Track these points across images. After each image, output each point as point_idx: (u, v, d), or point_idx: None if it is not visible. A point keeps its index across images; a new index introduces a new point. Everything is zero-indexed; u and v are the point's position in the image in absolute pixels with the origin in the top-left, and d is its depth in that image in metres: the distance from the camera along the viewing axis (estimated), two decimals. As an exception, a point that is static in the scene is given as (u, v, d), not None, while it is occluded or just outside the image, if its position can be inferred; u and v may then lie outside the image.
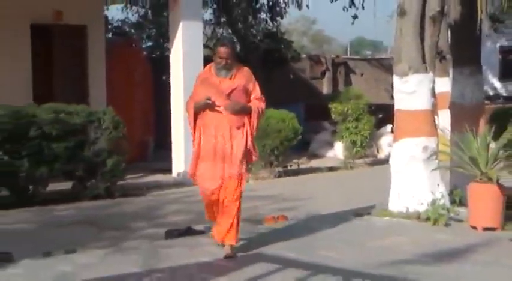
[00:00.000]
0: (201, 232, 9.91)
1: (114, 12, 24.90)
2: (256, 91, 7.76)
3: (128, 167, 13.73)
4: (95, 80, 16.74)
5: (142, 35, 25.84)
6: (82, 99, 15.00)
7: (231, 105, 7.43)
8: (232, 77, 7.66)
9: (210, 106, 7.50)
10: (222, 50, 7.68)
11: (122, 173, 13.37)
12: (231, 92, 7.55)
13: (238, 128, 7.56)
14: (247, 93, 7.67)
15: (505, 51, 30.27)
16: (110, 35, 20.75)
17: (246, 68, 7.82)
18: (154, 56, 19.89)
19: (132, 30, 26.25)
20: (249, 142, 7.73)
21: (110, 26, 21.88)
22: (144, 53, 21.50)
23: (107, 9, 20.24)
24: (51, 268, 7.88)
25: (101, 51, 17.16)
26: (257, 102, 7.67)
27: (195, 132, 7.86)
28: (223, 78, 7.60)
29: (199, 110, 7.67)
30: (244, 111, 7.60)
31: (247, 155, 7.74)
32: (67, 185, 12.83)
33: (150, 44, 23.95)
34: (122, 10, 26.03)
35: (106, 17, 20.13)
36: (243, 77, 7.73)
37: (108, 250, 8.91)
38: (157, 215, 11.78)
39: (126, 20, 27.29)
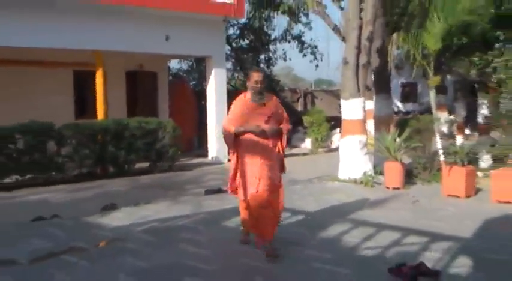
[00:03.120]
0: (227, 191, 10.69)
1: (174, 64, 25.22)
2: (284, 115, 6.37)
3: (181, 154, 14.13)
4: (161, 103, 17.19)
5: (190, 77, 26.18)
6: (154, 114, 15.50)
7: (271, 130, 6.06)
8: (266, 103, 6.17)
9: (247, 132, 6.04)
10: (257, 75, 6.16)
11: (178, 157, 13.79)
12: (269, 118, 6.11)
13: (273, 146, 6.17)
14: (278, 117, 6.24)
15: (404, 85, 32.82)
16: (170, 78, 21.22)
17: (273, 96, 6.43)
18: (197, 89, 20.70)
19: (184, 74, 26.51)
20: (282, 157, 6.39)
21: (170, 72, 22.23)
22: (191, 87, 21.77)
23: (169, 62, 20.46)
24: (138, 212, 8.57)
25: (165, 86, 17.58)
26: (286, 125, 6.30)
27: (234, 152, 6.29)
28: (259, 105, 6.11)
29: (241, 133, 6.09)
30: (278, 133, 6.21)
31: (281, 167, 6.35)
32: (146, 164, 13.33)
33: (194, 82, 24.49)
34: (178, 62, 26.24)
35: (169, 67, 20.33)
36: (274, 103, 6.27)
37: (170, 202, 9.48)
38: (199, 181, 12.02)
39: (181, 68, 27.25)
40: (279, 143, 6.37)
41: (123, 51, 13.90)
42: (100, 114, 13.46)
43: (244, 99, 6.26)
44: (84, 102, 15.27)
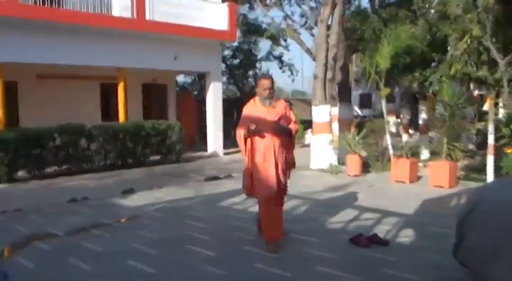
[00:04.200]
0: (222, 178, 10.38)
1: (180, 78, 25.18)
2: (292, 117, 5.50)
3: (186, 149, 14.01)
4: (170, 109, 17.13)
5: (193, 88, 26.21)
6: (164, 118, 15.35)
7: (280, 127, 5.23)
8: (274, 105, 5.34)
9: (260, 131, 5.15)
10: (265, 82, 5.30)
11: (183, 151, 13.67)
12: (279, 119, 5.28)
13: (282, 146, 5.28)
14: (287, 119, 5.37)
15: (361, 95, 32.11)
16: (177, 89, 21.26)
17: (281, 99, 5.66)
18: (198, 98, 20.69)
19: (188, 86, 26.65)
20: (291, 155, 5.50)
21: (177, 84, 22.27)
22: (194, 97, 21.66)
23: (177, 76, 20.32)
24: (152, 194, 8.57)
25: (173, 96, 17.53)
26: (294, 125, 5.44)
27: (246, 155, 5.34)
28: (269, 107, 5.28)
29: (252, 134, 5.20)
30: (287, 132, 5.35)
31: (289, 166, 5.48)
32: (158, 157, 13.19)
33: (196, 92, 24.53)
34: (184, 77, 26.24)
35: (176, 80, 20.24)
36: (282, 106, 5.40)
37: (178, 187, 9.47)
38: (200, 170, 11.92)
39: (186, 81, 27.28)
40: (289, 143, 5.50)
41: (140, 67, 13.94)
42: (121, 117, 13.52)
43: (254, 103, 5.45)
44: (108, 108, 15.24)
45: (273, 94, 5.38)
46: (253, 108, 5.42)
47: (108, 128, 12.02)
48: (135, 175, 11.35)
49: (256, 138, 5.28)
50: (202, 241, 5.63)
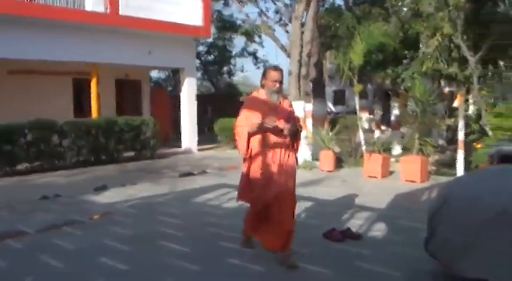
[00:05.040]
0: (196, 174, 10.40)
1: (154, 73, 24.96)
2: (297, 117, 4.80)
3: (160, 145, 13.89)
4: (144, 104, 16.99)
5: (167, 84, 26.05)
6: (138, 113, 15.32)
7: (291, 127, 4.46)
8: (281, 102, 4.62)
9: (268, 128, 4.42)
10: (275, 74, 4.53)
11: (158, 147, 13.56)
12: (287, 118, 4.52)
13: (289, 146, 4.58)
14: (293, 117, 4.65)
15: (335, 92, 31.23)
16: (151, 84, 21.08)
17: (286, 97, 4.88)
18: (173, 94, 20.54)
19: (162, 82, 26.45)
20: (297, 157, 4.75)
21: (151, 80, 22.09)
22: (168, 92, 21.40)
23: (151, 72, 20.36)
24: (125, 191, 8.47)
25: (147, 91, 17.37)
26: (299, 125, 4.73)
27: (247, 156, 4.59)
28: (276, 103, 4.56)
29: (258, 131, 4.46)
30: (296, 133, 4.64)
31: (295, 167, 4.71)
32: (132, 153, 13.00)
33: (170, 88, 24.32)
34: (158, 72, 26.05)
35: (150, 76, 19.99)
36: (287, 103, 4.72)
37: (151, 183, 9.38)
38: (174, 166, 11.81)
39: (160, 77, 27.21)
40: (296, 143, 4.78)
41: (113, 63, 13.75)
42: (94, 113, 13.32)
43: (259, 97, 4.63)
44: (81, 103, 15.00)
45: (281, 89, 4.66)
46: (257, 103, 4.61)
47: (80, 124, 11.83)
48: (108, 171, 11.21)
49: (261, 138, 4.52)
50: (176, 237, 5.57)
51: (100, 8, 12.85)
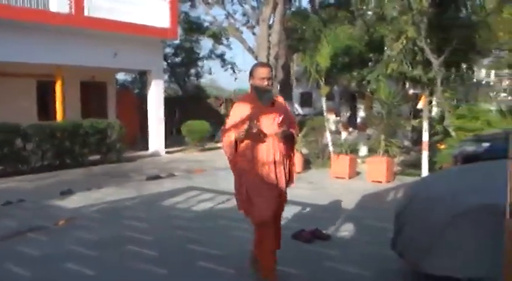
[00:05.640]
0: (163, 177, 10.31)
1: (120, 76, 24.53)
2: (293, 118, 4.31)
3: (127, 148, 13.75)
4: (110, 107, 16.69)
5: (134, 86, 25.71)
6: (104, 116, 15.00)
7: (284, 132, 3.99)
8: (274, 102, 4.09)
9: (263, 134, 3.91)
10: (263, 70, 4.00)
11: (124, 150, 13.42)
12: (282, 120, 4.03)
13: (283, 154, 4.04)
14: (289, 119, 4.16)
15: (302, 94, 30.29)
16: (118, 87, 20.74)
17: (279, 96, 4.33)
18: (139, 96, 20.26)
19: (129, 84, 26.05)
20: (292, 166, 4.25)
21: (118, 82, 21.73)
22: (134, 95, 21.06)
23: (117, 74, 20.14)
24: (91, 195, 8.32)
25: (113, 94, 17.08)
26: (296, 128, 4.24)
27: (234, 165, 4.09)
28: (268, 105, 4.01)
29: (246, 137, 3.92)
30: (291, 138, 4.14)
31: (291, 180, 4.24)
32: (97, 157, 12.76)
33: (137, 90, 23.99)
34: (124, 74, 25.81)
35: (116, 78, 19.47)
36: (282, 104, 4.17)
37: (118, 187, 9.21)
38: (141, 170, 11.66)
39: (126, 79, 26.89)
40: (290, 150, 4.25)
41: (78, 65, 13.47)
42: (59, 116, 13.05)
43: (249, 99, 4.08)
44: (45, 106, 14.66)
45: (271, 88, 4.13)
46: (247, 106, 4.05)
47: (45, 127, 11.57)
48: (74, 175, 11.00)
49: (252, 145, 3.99)
50: (144, 241, 5.50)
51: (65, 9, 12.59)
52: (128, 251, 5.12)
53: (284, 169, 4.11)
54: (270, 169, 4.01)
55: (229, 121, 4.09)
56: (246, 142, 4.00)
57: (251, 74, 4.10)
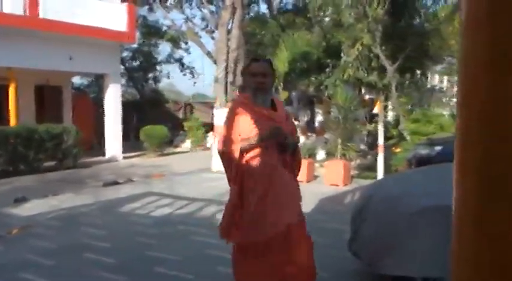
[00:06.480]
0: (121, 183, 10.23)
1: (76, 79, 23.96)
2: (294, 123, 3.63)
3: (83, 153, 13.47)
4: (66, 112, 16.31)
5: (90, 90, 25.19)
6: (60, 121, 14.66)
7: (293, 143, 3.31)
8: (276, 105, 3.36)
9: (284, 141, 3.20)
10: (257, 66, 3.25)
11: (80, 156, 13.16)
12: (286, 127, 3.30)
13: (287, 167, 3.30)
14: (291, 126, 3.45)
15: None
16: (73, 91, 20.29)
17: (278, 98, 3.55)
18: (96, 101, 19.84)
19: (85, 88, 25.47)
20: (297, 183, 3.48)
21: (73, 86, 21.21)
22: (90, 99, 20.40)
23: (73, 77, 19.72)
24: (47, 202, 8.14)
25: (69, 98, 16.74)
26: (297, 136, 3.52)
27: (236, 183, 3.22)
28: (267, 108, 3.27)
29: (250, 148, 3.13)
30: (295, 149, 3.41)
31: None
32: (53, 163, 12.49)
33: (94, 95, 23.46)
34: (80, 78, 25.36)
35: (72, 82, 19.06)
36: (282, 106, 3.45)
37: (74, 193, 9.06)
38: (98, 176, 11.48)
39: (82, 83, 26.33)
40: (296, 162, 3.53)
41: (33, 68, 13.14)
42: (12, 121, 12.69)
43: (246, 101, 3.31)
44: (-2, 110, 14.28)
45: (270, 86, 3.38)
46: (244, 110, 3.27)
47: (-3, 132, 11.24)
48: (28, 182, 10.72)
49: (252, 159, 3.20)
50: (102, 248, 5.42)
51: (19, 11, 12.30)
52: (85, 259, 5.03)
53: (292, 183, 3.40)
54: (278, 185, 3.22)
55: (226, 128, 3.30)
56: (251, 154, 3.20)
57: (243, 73, 3.45)
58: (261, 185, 3.16)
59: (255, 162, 3.20)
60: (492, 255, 0.98)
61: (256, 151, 3.19)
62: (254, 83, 3.25)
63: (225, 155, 3.30)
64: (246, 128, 3.19)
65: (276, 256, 3.17)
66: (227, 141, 3.27)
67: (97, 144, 16.79)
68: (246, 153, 3.20)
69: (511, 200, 0.93)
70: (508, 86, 0.90)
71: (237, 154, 3.19)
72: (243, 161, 3.21)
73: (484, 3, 0.94)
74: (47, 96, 15.91)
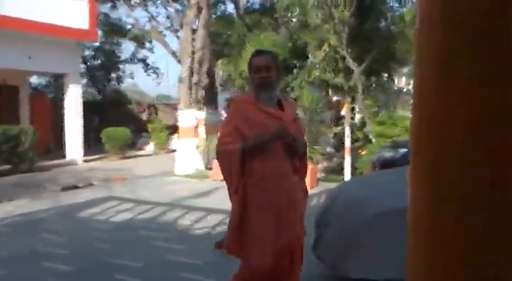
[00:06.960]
0: (81, 187, 10.08)
1: (34, 79, 23.44)
2: (302, 126, 3.50)
3: (41, 156, 13.28)
4: (23, 112, 15.85)
5: (48, 90, 24.62)
6: (17, 122, 14.26)
7: (301, 144, 3.15)
8: (283, 104, 3.16)
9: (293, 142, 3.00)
10: (258, 58, 3.11)
11: (38, 159, 12.90)
12: (295, 128, 3.12)
13: (296, 173, 3.12)
14: (299, 126, 3.30)
15: (227, 100, 28.94)
16: (31, 91, 19.82)
17: (285, 98, 3.36)
18: (55, 101, 19.44)
19: (43, 89, 24.90)
20: (306, 188, 3.27)
21: (31, 86, 20.72)
22: (49, 99, 20.35)
23: (30, 77, 19.27)
24: (1, 208, 7.92)
25: (26, 98, 16.25)
26: (304, 139, 3.33)
27: (236, 190, 3.00)
28: (274, 107, 3.09)
29: (254, 149, 2.95)
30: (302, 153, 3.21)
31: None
32: (8, 166, 12.11)
33: (52, 95, 22.99)
34: (38, 78, 24.83)
35: (29, 82, 18.86)
36: (290, 107, 3.39)
37: (31, 198, 8.86)
38: (57, 179, 11.24)
39: (40, 83, 25.74)
40: (303, 167, 3.31)
41: (-14, 66, 12.78)
42: (-34, 122, 12.32)
43: (249, 100, 3.14)
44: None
45: (274, 82, 3.17)
46: (247, 108, 3.10)
47: None
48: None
49: (256, 165, 3.00)
50: (60, 255, 5.31)
51: (-27, 7, 11.97)
52: (42, 267, 4.91)
53: (298, 190, 3.19)
54: (284, 192, 3.06)
55: (226, 128, 3.14)
56: (254, 159, 3.00)
57: (249, 68, 3.21)
58: (265, 197, 2.99)
59: (260, 168, 3.00)
60: (444, 259, 1.00)
61: (261, 154, 2.98)
62: (258, 79, 3.09)
63: (225, 155, 3.09)
64: (249, 127, 3.01)
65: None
66: (226, 141, 3.07)
67: (56, 146, 16.43)
68: (249, 157, 2.99)
69: (460, 204, 0.94)
70: (455, 89, 0.92)
71: (237, 155, 2.98)
72: (245, 165, 3.01)
73: (437, 4, 0.96)
74: (2, 97, 15.42)
